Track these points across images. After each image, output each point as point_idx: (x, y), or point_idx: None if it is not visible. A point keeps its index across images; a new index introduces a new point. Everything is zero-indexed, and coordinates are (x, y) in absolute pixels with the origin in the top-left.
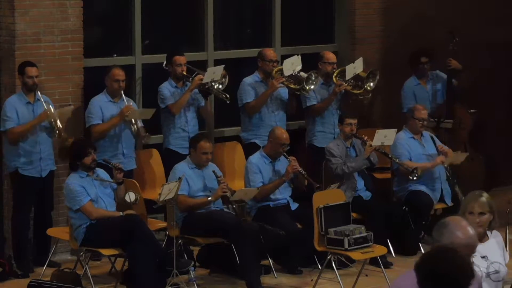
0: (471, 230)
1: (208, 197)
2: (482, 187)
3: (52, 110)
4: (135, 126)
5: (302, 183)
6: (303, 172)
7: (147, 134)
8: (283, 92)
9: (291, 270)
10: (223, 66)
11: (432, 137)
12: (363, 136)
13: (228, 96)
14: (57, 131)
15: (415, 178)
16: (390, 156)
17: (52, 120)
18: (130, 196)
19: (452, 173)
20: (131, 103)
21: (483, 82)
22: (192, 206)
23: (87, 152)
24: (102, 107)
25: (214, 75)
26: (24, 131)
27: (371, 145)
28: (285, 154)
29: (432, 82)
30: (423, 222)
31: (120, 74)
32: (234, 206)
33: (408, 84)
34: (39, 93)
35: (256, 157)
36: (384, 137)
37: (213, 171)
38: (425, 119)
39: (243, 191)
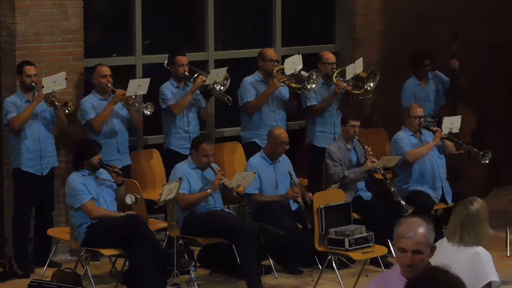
0: (415, 222)
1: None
2: (483, 187)
3: (46, 90)
4: (135, 104)
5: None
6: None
7: (148, 104)
8: (284, 91)
9: (291, 270)
10: (226, 68)
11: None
12: (366, 146)
13: (230, 98)
14: (59, 106)
15: (407, 213)
16: (387, 181)
17: (52, 97)
18: (131, 198)
19: (453, 173)
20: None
21: (483, 82)
22: (192, 202)
23: (94, 151)
24: (94, 106)
25: (217, 77)
26: (25, 116)
27: (372, 161)
28: (211, 166)
29: (432, 83)
30: None
31: (106, 70)
32: (234, 193)
33: (408, 85)
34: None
35: (256, 159)
36: (387, 161)
37: (210, 166)
38: (422, 116)
39: (241, 175)
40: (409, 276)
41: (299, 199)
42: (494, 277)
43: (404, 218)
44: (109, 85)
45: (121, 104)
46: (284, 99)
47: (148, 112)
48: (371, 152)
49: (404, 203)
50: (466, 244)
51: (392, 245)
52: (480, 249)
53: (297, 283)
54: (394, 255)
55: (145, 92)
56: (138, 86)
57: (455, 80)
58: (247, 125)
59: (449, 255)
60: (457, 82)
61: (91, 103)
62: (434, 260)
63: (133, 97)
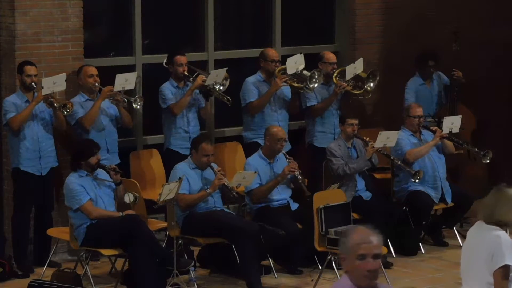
0: (365, 229)
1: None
2: (484, 187)
3: (45, 91)
4: (124, 99)
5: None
6: (299, 177)
7: (137, 97)
8: (286, 91)
9: (291, 270)
10: (226, 68)
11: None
12: (364, 137)
13: (230, 99)
14: (58, 108)
15: (417, 180)
16: (392, 158)
17: (51, 98)
18: (129, 197)
19: (453, 174)
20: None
21: (483, 82)
22: (191, 202)
23: (93, 152)
24: (82, 106)
25: (217, 77)
26: (24, 116)
27: (373, 147)
28: (285, 153)
29: (435, 83)
30: (424, 222)
31: (92, 69)
32: (234, 193)
33: (412, 83)
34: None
35: (254, 159)
36: (386, 138)
37: (210, 166)
38: (421, 116)
39: (241, 175)
40: (368, 284)
41: (297, 173)
42: (510, 261)
43: (351, 228)
44: (96, 84)
45: (109, 103)
46: (286, 99)
47: (138, 106)
48: (368, 139)
49: (412, 171)
50: (497, 222)
51: (342, 256)
52: (502, 232)
53: (297, 283)
54: (346, 266)
55: (133, 87)
56: (125, 80)
57: (460, 87)
58: (249, 125)
59: (474, 234)
60: (459, 89)
61: (79, 103)
62: None
63: (121, 92)
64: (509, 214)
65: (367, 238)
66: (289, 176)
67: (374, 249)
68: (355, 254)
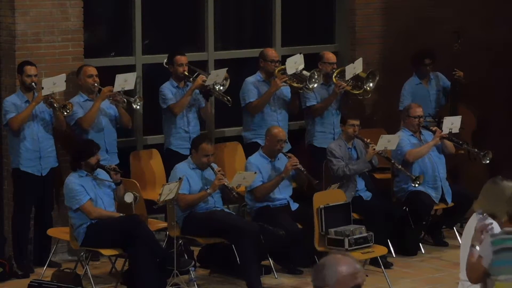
0: (350, 258)
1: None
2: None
3: (45, 92)
4: (124, 100)
5: (304, 180)
6: (302, 169)
7: (137, 97)
8: (286, 91)
9: (291, 270)
10: (226, 69)
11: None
12: (365, 139)
13: (230, 99)
14: (58, 108)
15: (417, 185)
16: (392, 161)
17: (51, 99)
18: (129, 197)
19: (453, 174)
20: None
21: (483, 82)
22: (192, 202)
23: (93, 152)
24: (82, 106)
25: (217, 77)
26: (24, 117)
27: (374, 149)
28: (283, 152)
29: (433, 83)
30: (424, 222)
31: (92, 69)
32: (234, 193)
33: (409, 83)
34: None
35: (255, 157)
36: (387, 142)
37: (210, 166)
38: (421, 116)
39: (241, 175)
40: None
41: (300, 166)
42: None
43: (331, 258)
44: (96, 84)
45: (109, 103)
46: (286, 99)
47: (138, 106)
48: (369, 141)
49: (413, 176)
50: (481, 210)
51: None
52: (494, 223)
53: (297, 283)
54: None
55: (132, 87)
56: (125, 80)
57: (460, 88)
58: (249, 125)
59: (470, 225)
60: (460, 90)
61: (78, 103)
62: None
63: (120, 92)
64: (496, 206)
65: (356, 266)
66: (292, 172)
67: (363, 275)
68: (350, 285)
